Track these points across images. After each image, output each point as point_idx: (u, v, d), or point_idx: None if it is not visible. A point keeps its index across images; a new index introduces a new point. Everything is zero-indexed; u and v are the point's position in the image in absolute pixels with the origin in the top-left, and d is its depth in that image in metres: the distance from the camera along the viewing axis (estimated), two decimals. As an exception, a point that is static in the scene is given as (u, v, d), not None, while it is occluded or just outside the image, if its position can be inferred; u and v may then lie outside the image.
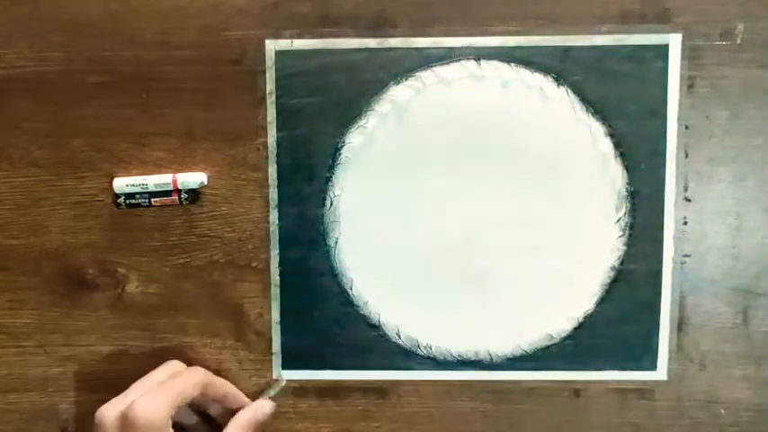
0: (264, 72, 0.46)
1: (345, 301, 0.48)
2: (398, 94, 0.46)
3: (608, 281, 0.47)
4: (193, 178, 0.47)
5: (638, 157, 0.46)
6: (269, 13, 0.46)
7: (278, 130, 0.47)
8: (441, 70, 0.46)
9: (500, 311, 0.47)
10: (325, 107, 0.46)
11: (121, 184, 0.47)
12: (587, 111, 0.46)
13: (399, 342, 0.48)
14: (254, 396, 0.48)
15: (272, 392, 0.48)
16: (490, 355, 0.48)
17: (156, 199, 0.47)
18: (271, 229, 0.47)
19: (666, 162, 0.46)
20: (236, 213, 0.48)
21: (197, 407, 0.47)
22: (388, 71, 0.46)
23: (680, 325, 0.47)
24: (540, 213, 0.46)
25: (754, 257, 0.47)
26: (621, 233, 0.47)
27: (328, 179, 0.47)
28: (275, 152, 0.47)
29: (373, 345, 0.48)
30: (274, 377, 0.48)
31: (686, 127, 0.46)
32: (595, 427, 0.48)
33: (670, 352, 0.47)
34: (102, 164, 0.47)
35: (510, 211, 0.46)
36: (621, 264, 0.47)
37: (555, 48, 0.45)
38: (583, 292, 0.47)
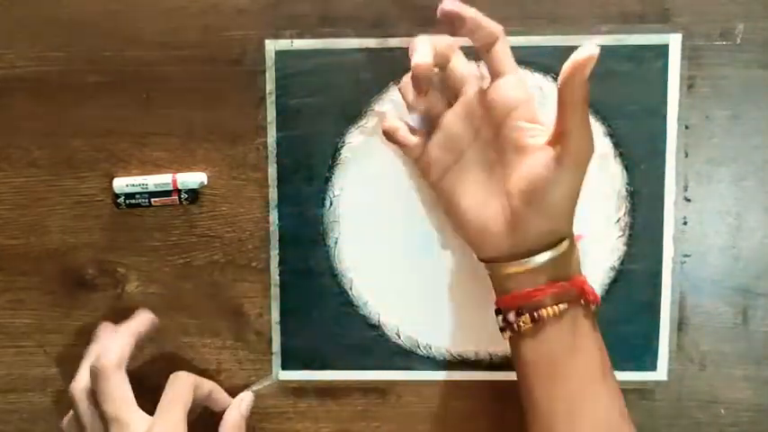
0: (264, 72, 0.46)
1: (345, 301, 0.48)
2: (398, 94, 0.46)
3: (608, 281, 0.47)
4: (193, 178, 0.47)
5: (638, 157, 0.46)
6: (269, 13, 0.46)
7: (278, 130, 0.47)
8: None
9: (500, 311, 0.47)
10: (325, 107, 0.46)
11: (121, 184, 0.47)
12: (587, 111, 0.46)
13: (399, 342, 0.48)
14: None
15: (258, 387, 0.48)
16: (490, 355, 0.48)
17: (156, 199, 0.47)
18: (271, 229, 0.47)
19: (666, 162, 0.46)
20: (236, 213, 0.48)
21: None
22: (388, 71, 0.46)
23: (680, 325, 0.47)
24: (540, 213, 0.46)
25: (754, 257, 0.47)
26: (621, 233, 0.47)
27: (328, 179, 0.47)
28: (275, 152, 0.47)
29: (373, 345, 0.48)
30: (271, 376, 0.48)
31: (686, 127, 0.46)
32: (595, 427, 0.48)
33: (670, 352, 0.47)
34: (102, 164, 0.47)
35: (510, 211, 0.46)
36: (621, 264, 0.47)
37: (555, 48, 0.45)
38: (583, 292, 0.47)
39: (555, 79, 0.45)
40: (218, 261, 0.48)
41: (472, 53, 0.43)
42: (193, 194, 0.47)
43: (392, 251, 0.47)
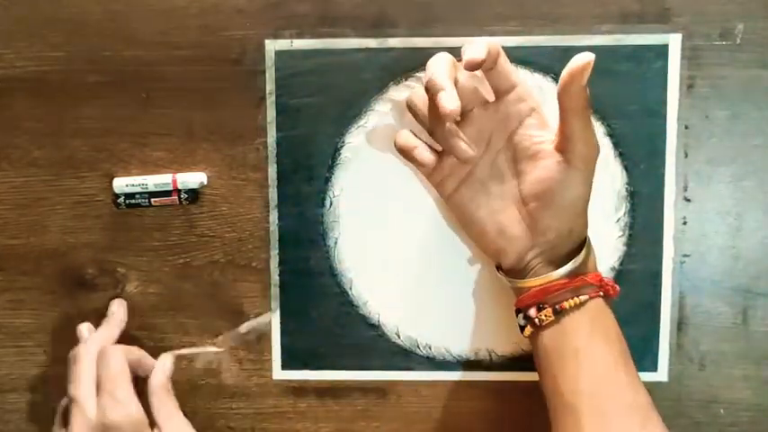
0: (264, 72, 0.46)
1: (345, 301, 0.48)
2: (398, 94, 0.46)
3: (614, 282, 0.46)
4: (193, 178, 0.47)
5: (638, 157, 0.46)
6: (269, 13, 0.46)
7: (278, 130, 0.47)
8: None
9: (500, 312, 0.47)
10: (325, 107, 0.46)
11: (121, 184, 0.47)
12: (587, 111, 0.46)
13: (399, 342, 0.48)
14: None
15: (190, 351, 0.47)
16: (490, 355, 0.48)
17: (156, 199, 0.47)
18: (271, 229, 0.47)
19: (666, 162, 0.46)
20: (236, 213, 0.48)
21: None
22: (388, 71, 0.46)
23: (680, 325, 0.47)
24: (540, 213, 0.46)
25: (754, 257, 0.47)
26: (621, 233, 0.47)
27: (328, 179, 0.47)
28: (275, 152, 0.47)
29: (373, 345, 0.48)
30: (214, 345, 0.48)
31: (686, 127, 0.46)
32: (595, 427, 0.48)
33: (670, 352, 0.47)
34: (102, 164, 0.47)
35: (510, 211, 0.46)
36: (621, 264, 0.47)
37: (555, 48, 0.45)
38: (583, 292, 0.47)
39: (555, 79, 0.45)
40: (218, 261, 0.48)
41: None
42: (193, 194, 0.47)
43: (392, 251, 0.47)
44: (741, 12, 0.45)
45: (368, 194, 0.47)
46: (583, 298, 0.41)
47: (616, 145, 0.46)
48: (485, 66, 0.40)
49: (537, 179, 0.41)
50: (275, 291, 0.48)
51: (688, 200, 0.47)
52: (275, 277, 0.48)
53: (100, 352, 0.43)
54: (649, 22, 0.45)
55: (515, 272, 0.43)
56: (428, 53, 0.41)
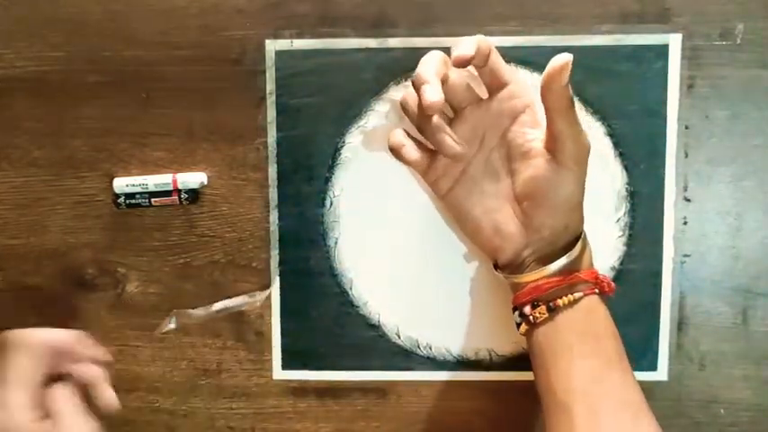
0: (264, 72, 0.46)
1: (345, 302, 0.48)
2: (398, 94, 0.46)
3: (609, 279, 0.46)
4: (193, 178, 0.47)
5: (638, 157, 0.46)
6: (269, 13, 0.46)
7: (278, 130, 0.47)
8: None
9: (500, 311, 0.47)
10: (325, 107, 0.46)
11: (121, 184, 0.47)
12: (587, 111, 0.46)
13: (399, 342, 0.48)
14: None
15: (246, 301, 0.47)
16: (490, 354, 0.48)
17: (156, 199, 0.47)
18: (271, 229, 0.47)
19: (666, 162, 0.46)
20: (236, 213, 0.48)
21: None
22: (388, 71, 0.46)
23: (680, 325, 0.47)
24: (540, 213, 0.46)
25: (754, 257, 0.47)
26: (621, 233, 0.47)
27: (328, 179, 0.47)
28: (275, 152, 0.47)
29: (373, 345, 0.48)
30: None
31: (686, 127, 0.46)
32: (595, 427, 0.48)
33: (670, 352, 0.47)
34: (102, 164, 0.47)
35: (510, 211, 0.46)
36: (621, 264, 0.47)
37: (555, 48, 0.45)
38: (583, 292, 0.47)
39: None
40: (219, 261, 0.48)
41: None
42: (193, 194, 0.47)
43: (392, 251, 0.47)
44: (741, 12, 0.45)
45: (368, 194, 0.47)
46: (577, 295, 0.41)
47: (616, 145, 0.46)
48: (475, 63, 0.40)
49: (529, 178, 0.41)
50: (275, 291, 0.48)
51: (688, 200, 0.47)
52: (275, 277, 0.48)
53: (15, 344, 0.38)
54: (649, 22, 0.45)
55: (512, 268, 0.43)
56: (431, 51, 0.41)
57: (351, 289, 0.48)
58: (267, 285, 0.48)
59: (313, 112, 0.46)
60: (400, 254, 0.47)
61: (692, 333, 0.47)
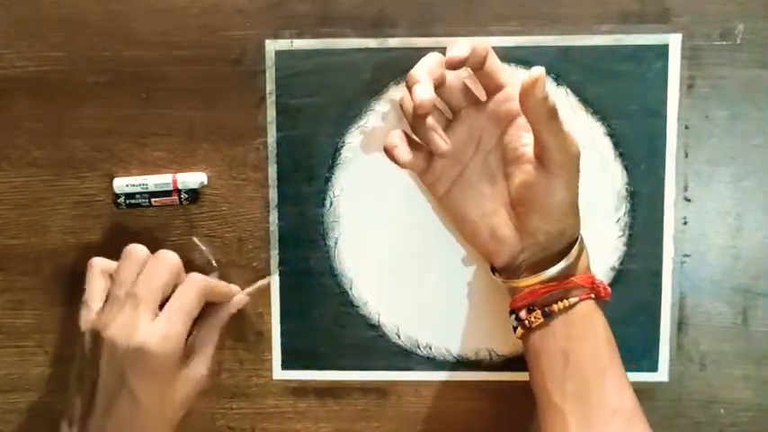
0: (264, 72, 0.46)
1: (345, 301, 0.48)
2: (398, 94, 0.46)
3: (608, 281, 0.47)
4: (193, 178, 0.47)
5: (638, 157, 0.46)
6: (269, 13, 0.46)
7: (278, 130, 0.47)
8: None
9: (500, 311, 0.47)
10: (325, 107, 0.46)
11: (121, 184, 0.47)
12: (587, 110, 0.46)
13: (399, 342, 0.48)
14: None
15: (254, 287, 0.47)
16: (490, 355, 0.48)
17: (156, 199, 0.47)
18: (271, 229, 0.47)
19: (666, 162, 0.46)
20: (236, 213, 0.48)
21: None
22: (388, 71, 0.46)
23: (680, 325, 0.47)
24: (540, 213, 0.46)
25: (754, 257, 0.47)
26: (621, 233, 0.47)
27: (328, 179, 0.47)
28: (275, 152, 0.47)
29: (373, 345, 0.48)
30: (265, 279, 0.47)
31: (686, 127, 0.46)
32: (595, 427, 0.48)
33: (670, 352, 0.47)
34: (102, 164, 0.47)
35: (510, 211, 0.46)
36: (621, 264, 0.47)
37: (555, 48, 0.45)
38: (583, 292, 0.47)
39: (555, 79, 0.46)
40: (219, 261, 0.48)
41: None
42: (193, 194, 0.47)
43: (392, 251, 0.47)
44: (741, 12, 0.45)
45: (368, 194, 0.47)
46: (572, 300, 0.40)
47: (616, 145, 0.46)
48: (471, 65, 0.40)
49: (521, 183, 0.41)
50: (275, 291, 0.48)
51: (688, 200, 0.46)
52: (275, 277, 0.48)
53: (190, 277, 0.43)
54: (649, 22, 0.45)
55: (509, 272, 0.43)
56: (428, 53, 0.41)
57: (351, 289, 0.48)
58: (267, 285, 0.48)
59: (313, 112, 0.46)
60: (400, 254, 0.47)
61: (692, 333, 0.47)
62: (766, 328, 0.47)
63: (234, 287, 0.46)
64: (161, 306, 0.41)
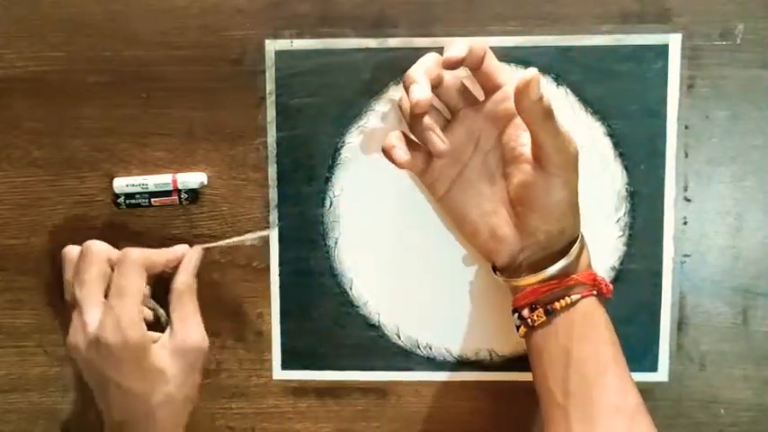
0: (264, 72, 0.46)
1: (345, 301, 0.48)
2: (398, 94, 0.46)
3: (608, 281, 0.46)
4: (193, 178, 0.47)
5: (638, 157, 0.46)
6: (269, 13, 0.46)
7: (278, 130, 0.47)
8: (441, 70, 0.45)
9: (500, 312, 0.47)
10: (325, 107, 0.46)
11: (121, 184, 0.47)
12: (587, 111, 0.46)
13: (399, 342, 0.48)
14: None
15: (252, 236, 0.47)
16: (490, 355, 0.48)
17: (156, 199, 0.47)
18: (271, 228, 0.47)
19: (666, 162, 0.46)
20: (236, 213, 0.48)
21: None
22: (388, 71, 0.46)
23: (680, 325, 0.47)
24: (540, 213, 0.46)
25: (754, 257, 0.47)
26: (621, 233, 0.47)
27: (328, 179, 0.47)
28: (275, 152, 0.47)
29: (373, 345, 0.48)
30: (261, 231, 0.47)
31: (686, 127, 0.46)
32: (595, 427, 0.48)
33: (670, 352, 0.47)
34: (102, 164, 0.47)
35: (510, 211, 0.46)
36: (621, 264, 0.47)
37: (555, 48, 0.45)
38: (583, 292, 0.47)
39: (555, 79, 0.46)
40: (219, 261, 0.48)
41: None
42: (193, 194, 0.47)
43: (392, 251, 0.47)
44: (741, 12, 0.45)
45: (368, 194, 0.47)
46: (574, 297, 0.41)
47: (616, 145, 0.46)
48: (469, 65, 0.40)
49: (520, 183, 0.41)
50: (275, 291, 0.48)
51: (688, 200, 0.46)
52: (275, 277, 0.48)
53: (122, 255, 0.42)
54: (649, 22, 0.45)
55: (509, 271, 0.43)
56: (428, 53, 0.41)
57: (351, 289, 0.48)
58: (267, 285, 0.48)
59: (313, 112, 0.46)
60: (400, 254, 0.47)
61: (692, 333, 0.47)
62: (766, 328, 0.47)
63: (180, 247, 0.44)
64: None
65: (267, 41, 0.46)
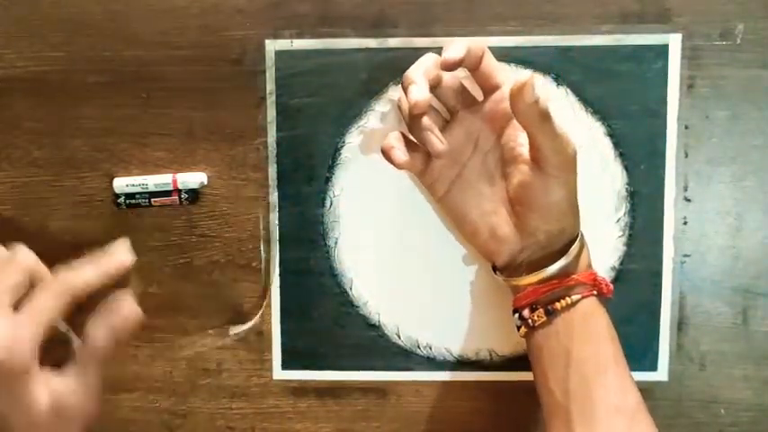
0: (264, 72, 0.46)
1: (345, 301, 0.48)
2: (398, 94, 0.46)
3: (608, 281, 0.46)
4: (193, 178, 0.47)
5: (638, 157, 0.46)
6: (269, 13, 0.46)
7: (278, 130, 0.47)
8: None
9: (500, 311, 0.47)
10: (325, 107, 0.46)
11: (121, 184, 0.47)
12: (587, 111, 0.46)
13: (399, 342, 0.48)
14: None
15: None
16: (490, 355, 0.48)
17: (157, 199, 0.47)
18: (271, 229, 0.47)
19: (666, 162, 0.46)
20: (236, 213, 0.48)
21: None
22: (388, 71, 0.46)
23: (680, 325, 0.47)
24: (540, 213, 0.46)
25: (754, 257, 0.47)
26: (621, 233, 0.47)
27: (328, 179, 0.47)
28: (275, 152, 0.47)
29: (373, 345, 0.48)
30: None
31: (686, 127, 0.46)
32: (595, 427, 0.48)
33: (670, 352, 0.47)
34: (102, 164, 0.47)
35: (510, 211, 0.46)
36: (621, 264, 0.47)
37: (555, 48, 0.45)
38: (583, 292, 0.47)
39: (555, 79, 0.46)
40: (218, 261, 0.48)
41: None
42: (193, 194, 0.47)
43: (392, 251, 0.47)
44: (741, 12, 0.45)
45: (368, 194, 0.47)
46: (575, 298, 0.41)
47: (616, 145, 0.46)
48: (467, 66, 0.40)
49: (519, 183, 0.41)
50: (275, 291, 0.48)
51: (688, 200, 0.47)
52: (275, 277, 0.48)
53: (46, 276, 0.38)
54: (649, 22, 0.45)
55: (510, 271, 0.43)
56: (428, 53, 0.41)
57: (351, 289, 0.48)
58: (267, 285, 0.48)
59: (313, 112, 0.46)
60: (400, 254, 0.47)
61: (692, 333, 0.47)
62: (766, 328, 0.47)
63: (124, 299, 0.39)
64: None
65: (267, 41, 0.46)
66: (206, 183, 0.47)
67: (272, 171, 0.47)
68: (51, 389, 0.37)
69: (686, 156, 0.46)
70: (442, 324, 0.48)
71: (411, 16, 0.46)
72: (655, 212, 0.46)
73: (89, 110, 0.47)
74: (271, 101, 0.46)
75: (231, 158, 0.47)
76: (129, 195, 0.47)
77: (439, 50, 0.41)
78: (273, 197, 0.47)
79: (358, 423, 0.49)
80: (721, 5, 0.45)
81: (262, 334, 0.48)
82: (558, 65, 0.45)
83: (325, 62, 0.46)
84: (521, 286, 0.42)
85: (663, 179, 0.46)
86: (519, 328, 0.43)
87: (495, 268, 0.44)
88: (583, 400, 0.40)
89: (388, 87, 0.46)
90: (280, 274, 0.48)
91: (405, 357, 0.48)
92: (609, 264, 0.47)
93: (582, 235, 0.42)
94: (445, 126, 0.43)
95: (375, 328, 0.48)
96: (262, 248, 0.48)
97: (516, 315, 0.43)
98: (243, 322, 0.48)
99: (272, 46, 0.46)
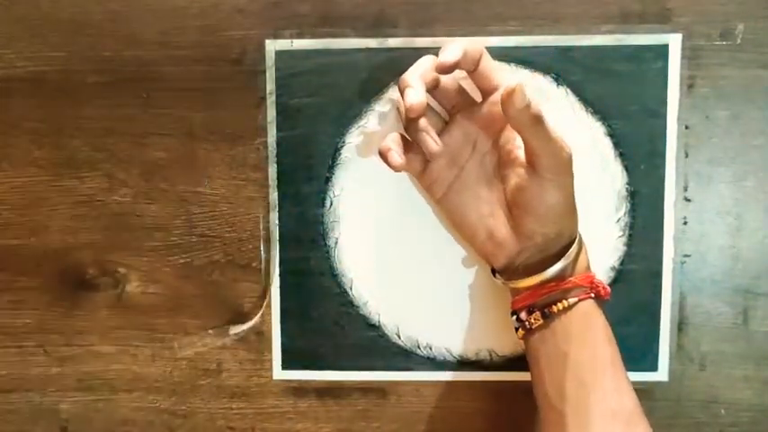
0: (264, 72, 0.46)
1: (345, 301, 0.48)
2: (397, 94, 0.46)
3: (608, 281, 0.47)
4: None
5: (638, 157, 0.46)
6: (269, 13, 0.46)
7: (278, 130, 0.47)
8: (441, 70, 0.45)
9: (500, 312, 0.47)
10: (325, 107, 0.46)
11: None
12: (587, 111, 0.46)
13: (399, 342, 0.48)
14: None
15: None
16: (490, 355, 0.48)
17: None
18: (271, 229, 0.47)
19: (666, 162, 0.46)
20: (236, 213, 0.48)
21: None
22: (388, 71, 0.46)
23: (680, 325, 0.47)
24: (540, 213, 0.46)
25: (754, 257, 0.47)
26: (621, 233, 0.47)
27: (328, 179, 0.47)
28: (275, 152, 0.47)
29: (373, 345, 0.48)
30: None
31: (686, 127, 0.46)
32: (595, 428, 0.48)
33: (670, 352, 0.47)
34: (102, 164, 0.47)
35: (510, 211, 0.46)
36: (621, 264, 0.47)
37: (555, 48, 0.45)
38: (583, 292, 0.47)
39: (555, 79, 0.46)
40: (219, 261, 0.48)
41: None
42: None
43: (392, 251, 0.47)
44: (741, 12, 0.45)
45: (368, 194, 0.47)
46: (572, 300, 0.40)
47: (616, 145, 0.46)
48: (464, 68, 0.40)
49: (515, 186, 0.41)
50: (275, 291, 0.48)
51: (688, 200, 0.46)
52: (275, 277, 0.48)
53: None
54: (650, 22, 0.45)
55: (508, 273, 0.43)
56: (428, 53, 0.41)
57: (351, 289, 0.48)
58: (267, 285, 0.48)
59: (313, 112, 0.46)
60: (400, 254, 0.47)
61: (692, 333, 0.47)
62: (766, 328, 0.47)
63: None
64: None
65: (267, 41, 0.46)
66: (206, 183, 0.47)
67: (272, 171, 0.47)
68: None
69: (686, 156, 0.46)
70: (442, 324, 0.48)
71: (411, 16, 0.46)
72: (655, 212, 0.46)
73: (89, 110, 0.47)
74: (271, 101, 0.46)
75: (231, 158, 0.47)
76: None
77: (439, 50, 0.41)
78: (273, 197, 0.47)
79: (358, 423, 0.49)
80: (721, 5, 0.45)
81: (262, 334, 0.48)
82: (558, 65, 0.45)
83: (325, 62, 0.46)
84: (518, 289, 0.42)
85: (663, 179, 0.46)
86: (517, 330, 0.43)
87: (493, 271, 0.44)
88: (578, 403, 0.40)
89: (388, 87, 0.46)
90: (280, 275, 0.48)
91: (405, 357, 0.48)
92: (609, 264, 0.47)
93: (580, 237, 0.42)
94: (444, 127, 0.43)
95: (375, 328, 0.48)
96: (262, 248, 0.48)
97: (514, 317, 0.43)
98: (243, 322, 0.48)
99: (272, 46, 0.46)
